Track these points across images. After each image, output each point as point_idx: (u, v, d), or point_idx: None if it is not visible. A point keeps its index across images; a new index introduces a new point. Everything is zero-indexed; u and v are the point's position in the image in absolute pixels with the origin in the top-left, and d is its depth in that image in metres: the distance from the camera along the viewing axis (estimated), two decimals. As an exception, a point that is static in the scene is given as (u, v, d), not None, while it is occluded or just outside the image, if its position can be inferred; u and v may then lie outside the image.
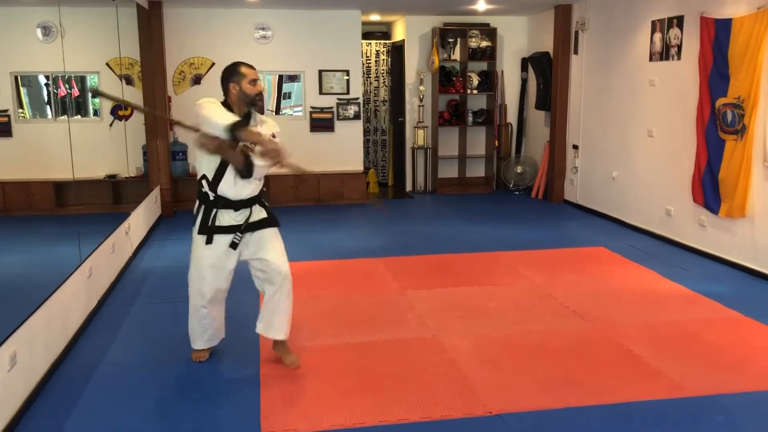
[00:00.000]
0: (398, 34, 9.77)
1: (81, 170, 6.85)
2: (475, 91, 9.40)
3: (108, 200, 7.38)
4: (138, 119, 7.63)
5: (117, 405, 3.33)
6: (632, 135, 7.09)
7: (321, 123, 8.76)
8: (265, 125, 3.54)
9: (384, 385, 3.52)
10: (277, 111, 9.20)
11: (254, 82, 3.46)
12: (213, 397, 3.42)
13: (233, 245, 3.52)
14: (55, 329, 3.75)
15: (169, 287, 5.22)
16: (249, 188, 3.49)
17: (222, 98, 3.52)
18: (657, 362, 3.76)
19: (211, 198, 3.47)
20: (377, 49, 9.96)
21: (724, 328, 4.31)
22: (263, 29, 8.46)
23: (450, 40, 9.27)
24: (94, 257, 4.68)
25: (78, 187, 6.87)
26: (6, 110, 5.75)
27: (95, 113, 7.49)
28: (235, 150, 3.33)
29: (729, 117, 5.52)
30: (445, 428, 3.12)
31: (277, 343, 3.75)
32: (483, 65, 9.47)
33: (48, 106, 6.74)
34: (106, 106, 7.29)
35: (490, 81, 9.41)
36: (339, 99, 8.80)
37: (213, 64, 8.40)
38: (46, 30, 5.48)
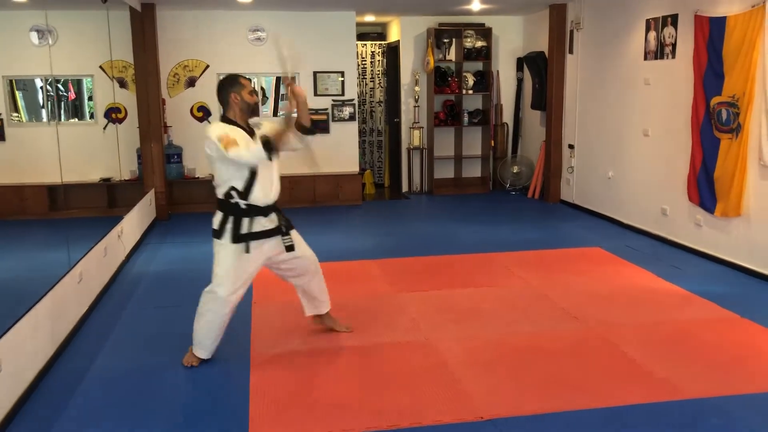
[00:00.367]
0: (393, 34, 9.75)
1: (75, 174, 6.84)
2: (470, 92, 9.36)
3: (103, 204, 7.36)
4: (132, 122, 7.61)
5: (103, 415, 3.28)
6: (628, 134, 7.06)
7: (316, 124, 8.70)
8: (263, 127, 3.71)
9: (375, 390, 3.49)
10: (275, 113, 9.18)
11: (253, 92, 3.64)
12: (202, 405, 3.38)
13: (290, 248, 3.73)
14: (43, 336, 3.72)
15: (162, 292, 5.19)
16: (274, 193, 3.70)
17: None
18: (651, 364, 3.73)
19: (243, 207, 3.57)
20: (372, 50, 9.93)
21: (719, 328, 4.28)
22: (257, 31, 8.43)
23: (445, 40, 9.24)
24: (85, 262, 4.64)
25: (72, 190, 6.85)
26: (-2, 114, 5.73)
27: (91, 116, 7.47)
28: (287, 131, 3.61)
29: (724, 116, 5.49)
30: (436, 433, 3.08)
31: (323, 317, 4.18)
32: (478, 65, 9.44)
33: (43, 110, 6.74)
34: (101, 108, 7.26)
35: (485, 81, 9.38)
36: (334, 100, 8.77)
37: (207, 66, 8.37)
38: (40, 33, 5.46)
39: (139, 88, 7.58)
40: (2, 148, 5.64)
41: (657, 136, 6.55)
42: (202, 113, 8.42)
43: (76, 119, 7.68)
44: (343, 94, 8.77)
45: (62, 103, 7.60)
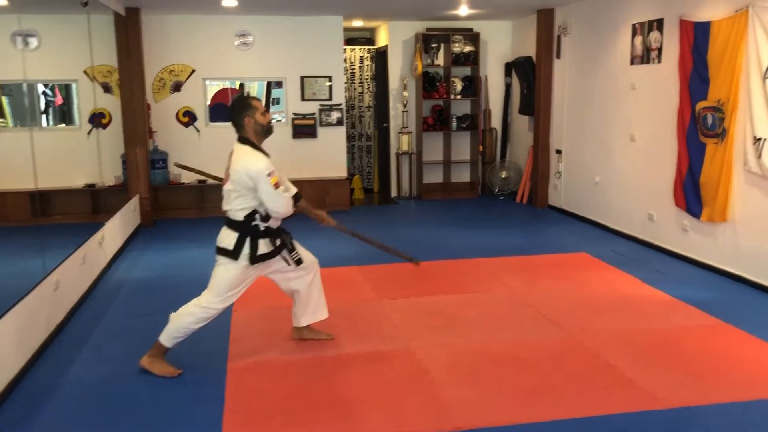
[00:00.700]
0: (382, 39, 9.71)
1: (59, 179, 6.78)
2: (458, 97, 9.33)
3: (87, 210, 7.29)
4: (117, 127, 7.54)
5: (70, 427, 3.21)
6: (614, 139, 7.03)
7: (303, 129, 8.67)
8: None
9: (353, 400, 3.43)
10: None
11: (265, 112, 3.68)
12: (174, 415, 3.31)
13: (298, 262, 3.86)
14: (9, 347, 3.59)
15: (142, 299, 5.12)
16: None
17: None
18: (632, 372, 3.68)
19: (262, 229, 3.67)
20: (361, 54, 9.89)
21: (702, 335, 4.24)
22: (244, 36, 8.38)
23: (433, 45, 9.21)
24: (62, 270, 4.57)
25: (57, 196, 6.79)
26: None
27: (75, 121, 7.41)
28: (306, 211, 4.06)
29: (709, 120, 5.46)
30: (412, 445, 3.03)
31: (304, 331, 4.13)
32: (466, 70, 9.41)
33: (28, 115, 6.68)
34: (85, 113, 7.20)
35: (473, 86, 9.35)
36: (321, 105, 8.72)
37: (193, 71, 8.31)
38: (22, 38, 5.40)
39: (123, 92, 7.52)
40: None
41: (643, 141, 6.53)
42: (188, 118, 8.36)
43: (64, 124, 7.61)
44: (330, 98, 8.72)
45: (50, 108, 7.54)
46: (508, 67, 9.49)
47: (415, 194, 9.54)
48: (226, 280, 3.65)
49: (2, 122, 6.27)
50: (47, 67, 6.67)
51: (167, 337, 3.70)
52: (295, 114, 8.66)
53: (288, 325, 4.24)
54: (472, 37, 9.23)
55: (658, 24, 6.16)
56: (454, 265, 5.97)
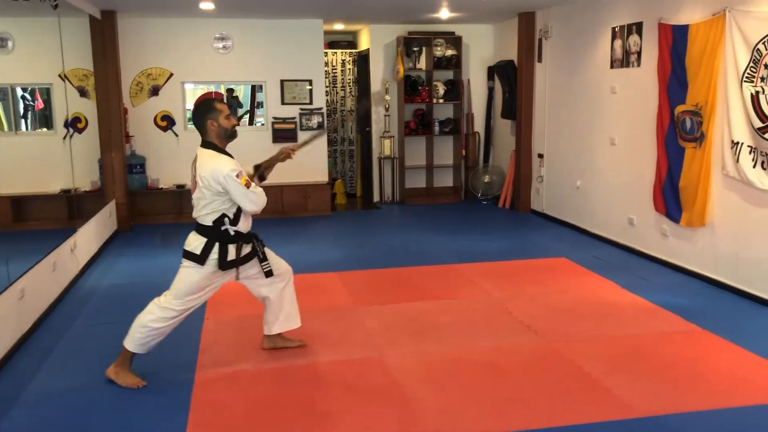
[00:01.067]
0: (363, 43, 9.65)
1: (35, 185, 6.67)
2: (441, 101, 9.28)
3: (63, 215, 7.16)
4: (94, 131, 7.42)
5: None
6: (595, 143, 7.00)
7: (283, 133, 8.58)
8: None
9: (320, 411, 3.35)
10: (251, 122, 9.07)
11: (229, 116, 3.61)
12: (137, 429, 3.21)
13: (268, 274, 3.77)
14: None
15: (113, 307, 5.01)
16: (250, 221, 3.72)
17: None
18: (608, 380, 3.62)
19: (231, 234, 3.59)
20: (343, 58, 9.83)
21: (679, 342, 4.19)
22: (223, 39, 8.29)
23: (415, 48, 9.15)
24: (29, 277, 4.45)
25: (32, 202, 6.66)
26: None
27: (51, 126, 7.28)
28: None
29: (688, 124, 5.44)
30: (380, 457, 2.95)
31: (275, 339, 4.03)
32: (449, 74, 9.36)
33: (4, 120, 6.59)
34: (61, 117, 7.08)
35: (456, 90, 9.30)
36: (302, 109, 8.64)
37: (171, 74, 8.21)
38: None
39: (99, 97, 7.40)
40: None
41: (624, 145, 6.49)
42: (166, 122, 8.25)
43: (45, 129, 7.48)
44: (311, 102, 8.64)
45: (29, 112, 7.42)
46: (491, 71, 9.45)
47: (397, 199, 9.47)
48: (187, 283, 3.56)
49: None
50: (21, 71, 6.57)
51: (130, 339, 3.61)
52: (275, 118, 8.57)
53: (251, 334, 4.14)
54: (454, 40, 9.19)
55: (638, 27, 6.13)
56: (434, 270, 5.90)
